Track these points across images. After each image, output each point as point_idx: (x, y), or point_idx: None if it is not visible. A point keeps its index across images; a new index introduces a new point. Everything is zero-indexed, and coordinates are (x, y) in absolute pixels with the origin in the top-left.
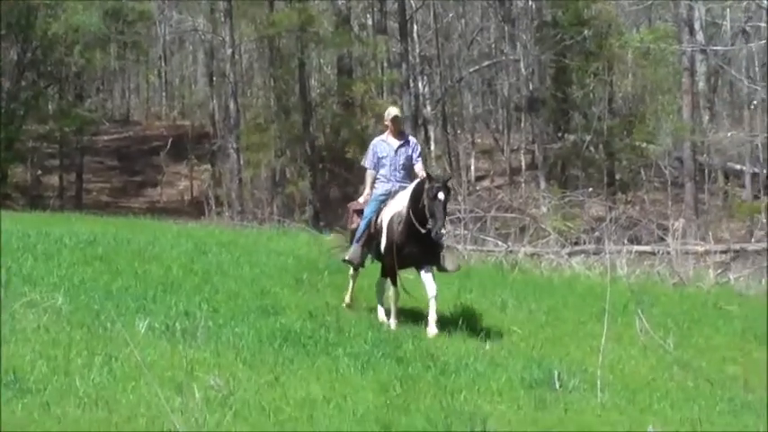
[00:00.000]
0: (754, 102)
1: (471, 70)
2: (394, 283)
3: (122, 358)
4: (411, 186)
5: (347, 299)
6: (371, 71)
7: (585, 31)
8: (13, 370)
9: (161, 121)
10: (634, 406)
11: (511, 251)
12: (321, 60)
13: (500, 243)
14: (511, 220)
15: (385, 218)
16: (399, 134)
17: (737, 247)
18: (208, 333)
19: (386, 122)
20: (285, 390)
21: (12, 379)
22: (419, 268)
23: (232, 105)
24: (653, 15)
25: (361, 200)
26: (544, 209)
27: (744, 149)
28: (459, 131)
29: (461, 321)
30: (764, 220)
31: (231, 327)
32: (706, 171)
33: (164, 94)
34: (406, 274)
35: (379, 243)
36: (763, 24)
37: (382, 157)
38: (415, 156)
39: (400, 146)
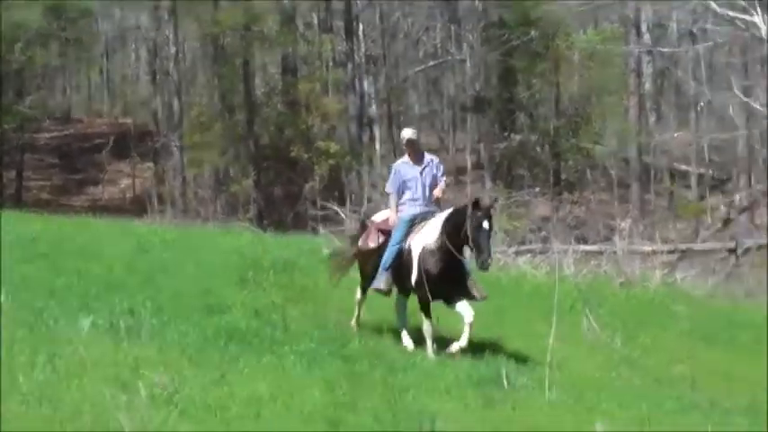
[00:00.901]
0: (701, 103)
1: (417, 70)
2: (428, 315)
3: (66, 356)
4: (444, 215)
5: (354, 322)
6: (317, 70)
7: (532, 32)
8: None
9: (103, 119)
10: (581, 404)
11: None
12: (266, 59)
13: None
14: None
15: (415, 248)
16: (419, 155)
17: (683, 247)
18: (152, 331)
19: (403, 146)
20: (231, 388)
21: None
22: (450, 300)
23: (175, 104)
24: (600, 16)
25: (379, 217)
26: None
27: (690, 150)
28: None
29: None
30: (710, 221)
31: (176, 325)
32: (652, 172)
33: (106, 91)
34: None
35: (407, 273)
36: (709, 26)
37: (407, 180)
38: (438, 175)
39: (424, 167)
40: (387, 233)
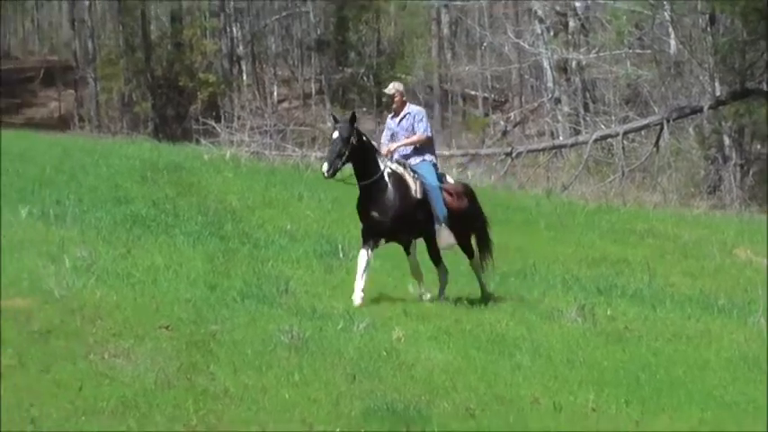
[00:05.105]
0: (484, 44)
1: (273, 18)
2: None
3: (9, 236)
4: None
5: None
6: (197, 19)
7: None
8: None
9: (35, 57)
10: (398, 270)
11: (305, 156)
12: (158, 11)
13: (297, 149)
14: (305, 132)
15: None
16: (400, 107)
17: (473, 152)
18: (74, 217)
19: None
20: (135, 260)
21: None
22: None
23: (90, 44)
24: None
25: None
26: (329, 124)
27: (477, 79)
28: (264, 65)
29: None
30: (492, 132)
31: (93, 212)
32: (449, 95)
33: (36, 36)
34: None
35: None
36: None
37: (392, 132)
38: (415, 124)
39: (401, 119)
40: None
